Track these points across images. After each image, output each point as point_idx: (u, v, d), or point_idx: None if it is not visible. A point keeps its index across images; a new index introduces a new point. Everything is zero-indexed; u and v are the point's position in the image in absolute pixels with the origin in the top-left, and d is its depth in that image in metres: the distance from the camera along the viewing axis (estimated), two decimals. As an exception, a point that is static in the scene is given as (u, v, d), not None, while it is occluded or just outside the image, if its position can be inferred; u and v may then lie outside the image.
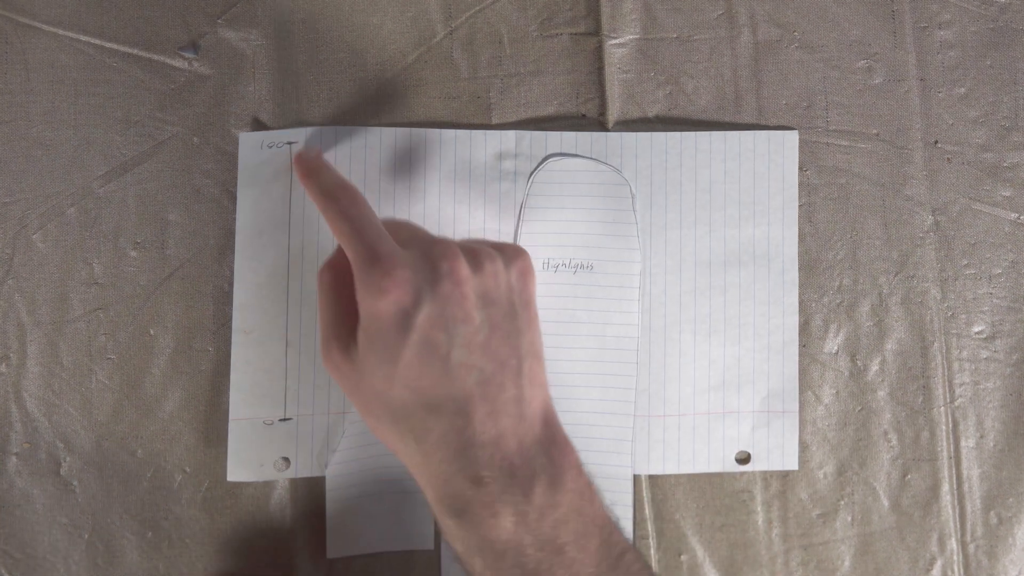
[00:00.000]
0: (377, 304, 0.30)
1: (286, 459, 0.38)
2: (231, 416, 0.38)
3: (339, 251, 0.34)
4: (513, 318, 0.32)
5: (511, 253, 0.34)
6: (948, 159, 0.41)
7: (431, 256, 0.31)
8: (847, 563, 0.39)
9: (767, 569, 0.39)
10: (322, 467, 0.38)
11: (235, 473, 0.38)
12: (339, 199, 0.32)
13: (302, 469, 0.38)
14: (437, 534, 0.39)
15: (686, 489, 0.39)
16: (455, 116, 0.40)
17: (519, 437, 0.31)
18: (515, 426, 0.31)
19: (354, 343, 0.32)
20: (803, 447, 0.40)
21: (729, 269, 0.40)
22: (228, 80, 0.40)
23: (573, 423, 0.39)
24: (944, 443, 0.40)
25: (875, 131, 0.41)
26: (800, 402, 0.40)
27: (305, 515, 0.39)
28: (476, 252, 0.32)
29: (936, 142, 0.41)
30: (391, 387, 0.31)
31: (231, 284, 0.39)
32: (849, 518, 0.40)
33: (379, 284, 0.30)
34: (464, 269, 0.31)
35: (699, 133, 0.40)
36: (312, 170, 0.35)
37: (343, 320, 0.33)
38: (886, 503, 0.40)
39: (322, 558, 0.39)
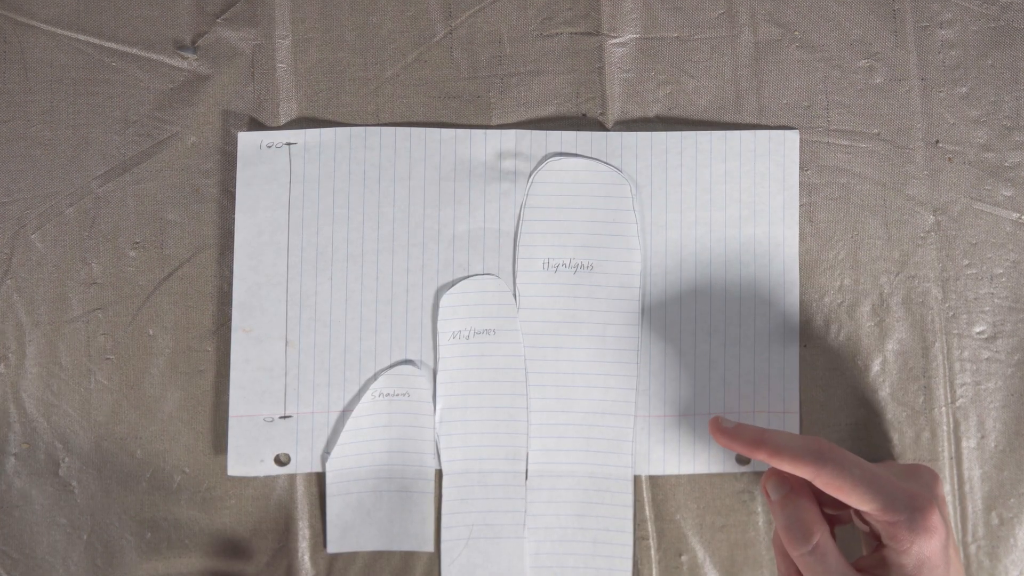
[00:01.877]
0: (926, 543, 0.32)
1: (287, 455, 0.38)
2: (231, 413, 0.38)
3: (798, 507, 0.35)
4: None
5: (936, 473, 0.36)
6: (949, 159, 0.41)
7: (930, 485, 0.35)
8: (848, 564, 0.39)
9: (767, 570, 0.39)
10: (322, 464, 0.38)
11: (235, 468, 0.38)
12: (826, 456, 0.33)
13: (302, 465, 0.38)
14: (437, 535, 0.39)
15: (686, 489, 0.39)
16: (455, 116, 0.40)
17: None
18: None
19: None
20: (804, 447, 0.40)
21: (729, 269, 0.40)
22: (227, 80, 0.40)
23: (573, 423, 0.39)
24: (945, 443, 0.40)
25: (876, 131, 0.40)
26: (801, 402, 0.40)
27: (305, 511, 0.39)
28: (936, 475, 0.36)
29: (937, 142, 0.41)
30: None
31: (231, 284, 0.39)
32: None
33: (923, 529, 0.32)
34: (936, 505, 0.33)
35: (699, 133, 0.40)
36: (758, 434, 0.35)
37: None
38: (887, 504, 0.40)
39: (322, 554, 0.39)
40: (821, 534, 0.33)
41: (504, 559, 0.38)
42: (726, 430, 0.36)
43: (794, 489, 0.35)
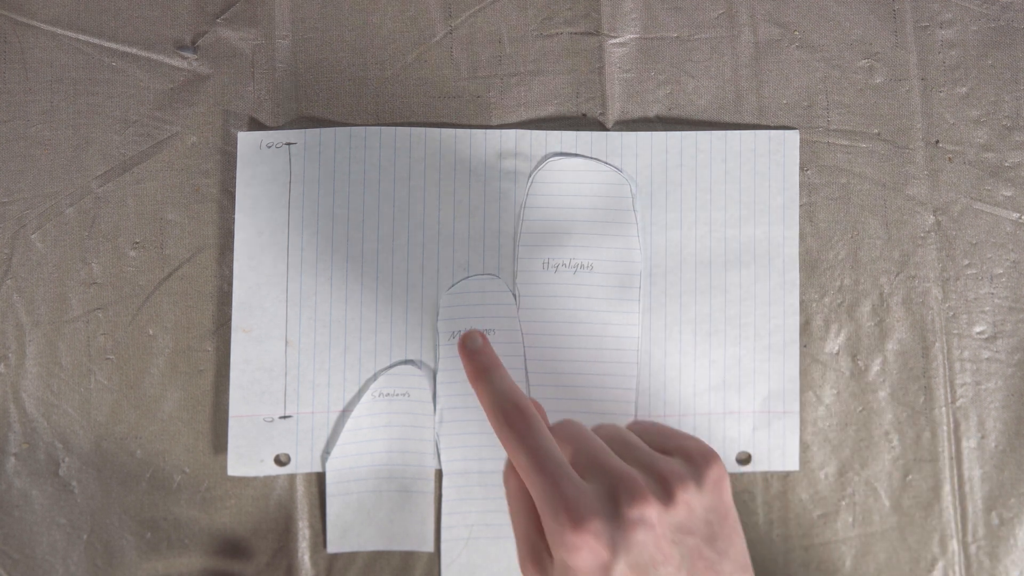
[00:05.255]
0: (571, 558, 0.27)
1: (287, 455, 0.38)
2: (231, 413, 0.38)
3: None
4: (713, 541, 0.29)
5: (700, 462, 0.30)
6: (949, 159, 0.41)
7: (618, 498, 0.28)
8: (848, 564, 0.39)
9: (768, 570, 0.39)
10: (322, 464, 0.38)
11: (235, 468, 0.38)
12: (514, 423, 0.30)
13: (302, 465, 0.38)
14: (437, 535, 0.39)
15: (686, 490, 0.39)
16: (455, 116, 0.40)
17: None
18: None
19: (552, 569, 0.29)
20: (804, 448, 0.40)
21: (730, 269, 0.40)
22: (227, 80, 0.40)
23: (573, 423, 0.39)
24: (945, 444, 0.40)
25: (876, 131, 0.40)
26: (801, 402, 0.40)
27: (305, 511, 0.39)
28: (665, 479, 0.29)
29: (937, 142, 0.41)
30: None
31: (230, 284, 0.39)
32: (850, 519, 0.40)
33: (570, 539, 0.27)
34: (654, 509, 0.28)
35: (699, 133, 0.40)
36: (483, 371, 0.32)
37: (540, 537, 0.30)
38: (887, 504, 0.40)
39: (322, 554, 0.39)
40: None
41: (504, 559, 0.38)
42: (468, 350, 0.33)
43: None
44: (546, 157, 0.40)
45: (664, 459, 0.30)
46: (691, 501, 0.29)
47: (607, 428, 0.32)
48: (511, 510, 0.31)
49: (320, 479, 0.39)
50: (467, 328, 0.39)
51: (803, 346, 0.40)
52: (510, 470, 0.31)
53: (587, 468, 0.29)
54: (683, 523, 0.29)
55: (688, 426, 0.39)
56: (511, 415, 0.30)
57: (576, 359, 0.39)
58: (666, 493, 0.29)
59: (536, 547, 0.30)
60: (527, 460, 0.29)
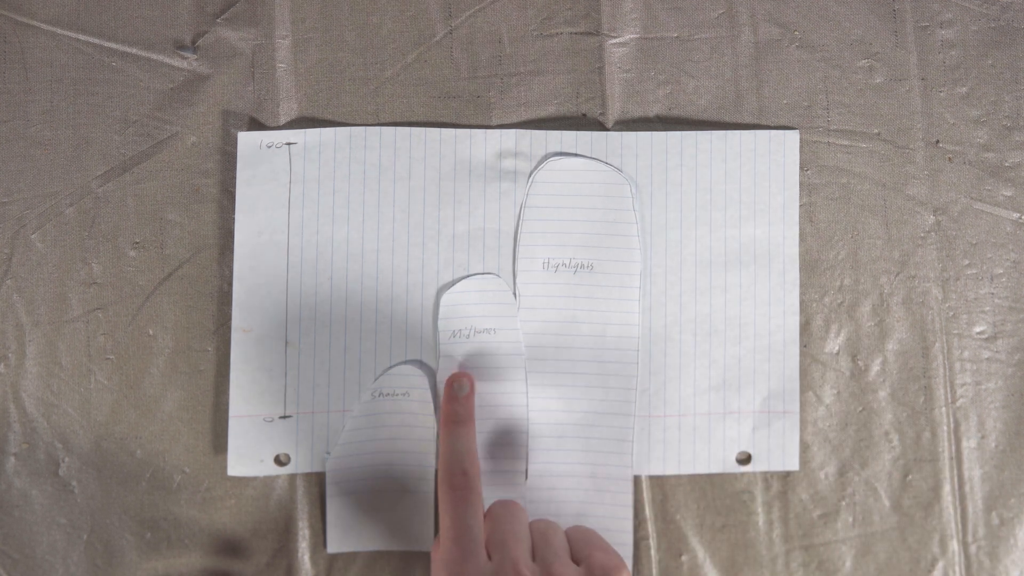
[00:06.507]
0: None
1: (287, 455, 0.38)
2: (231, 413, 0.38)
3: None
4: None
5: (598, 575, 0.32)
6: (949, 159, 0.41)
7: None
8: (848, 564, 0.39)
9: (768, 570, 0.39)
10: (322, 464, 0.38)
11: (235, 468, 0.38)
12: (456, 489, 0.34)
13: (302, 465, 0.38)
14: (437, 535, 0.39)
15: (687, 490, 0.39)
16: (455, 116, 0.40)
17: None
18: None
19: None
20: (804, 447, 0.40)
21: (730, 269, 0.40)
22: (227, 80, 0.40)
23: (573, 423, 0.39)
24: (945, 444, 0.40)
25: (876, 131, 0.40)
26: (801, 402, 0.40)
27: (305, 511, 0.39)
28: None
29: (937, 142, 0.41)
30: None
31: (230, 284, 0.39)
32: (850, 519, 0.40)
33: None
34: None
35: (699, 133, 0.40)
36: (456, 422, 0.36)
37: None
38: (887, 504, 0.40)
39: (322, 554, 0.39)
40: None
41: (504, 559, 0.38)
42: (452, 393, 0.37)
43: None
44: (546, 157, 0.40)
45: (566, 565, 0.32)
46: None
47: (540, 523, 0.35)
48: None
49: (320, 479, 0.39)
50: (467, 327, 0.39)
51: (803, 346, 0.40)
52: (437, 541, 0.34)
53: (495, 551, 0.32)
54: None
55: (688, 426, 0.39)
56: (456, 480, 0.34)
57: (576, 359, 0.39)
58: None
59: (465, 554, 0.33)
60: (450, 527, 0.33)
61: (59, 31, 0.39)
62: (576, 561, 0.33)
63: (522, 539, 0.33)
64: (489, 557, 0.32)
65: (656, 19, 0.41)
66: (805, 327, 0.40)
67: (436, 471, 0.39)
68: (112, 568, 0.38)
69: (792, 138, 0.40)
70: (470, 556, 0.32)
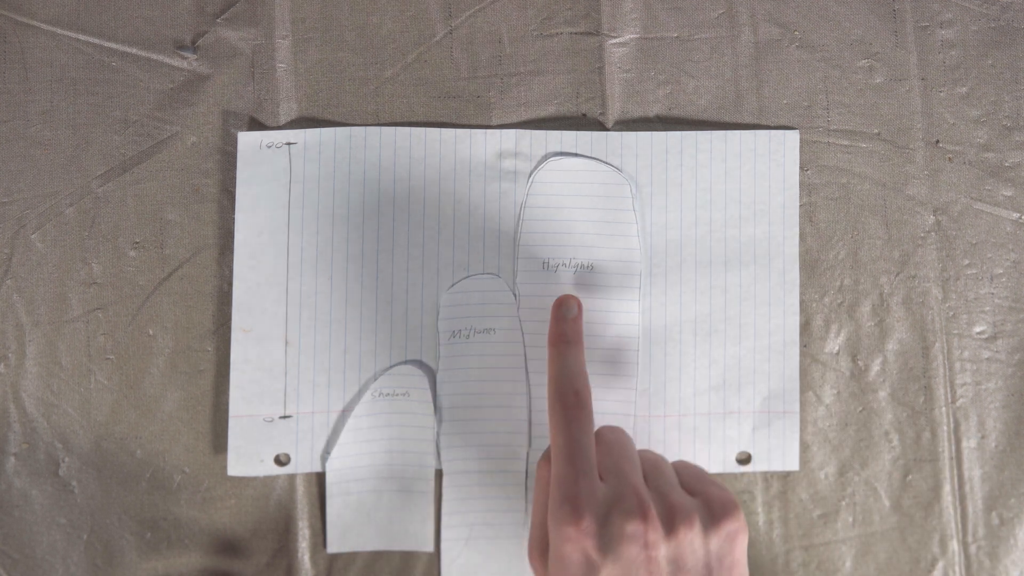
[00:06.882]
0: (563, 548, 0.29)
1: (287, 455, 0.38)
2: (231, 413, 0.38)
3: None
4: None
5: (718, 511, 0.30)
6: (949, 159, 0.41)
7: (623, 508, 0.29)
8: (848, 564, 0.39)
9: (768, 570, 0.39)
10: (322, 464, 0.38)
11: (235, 468, 0.38)
12: (568, 409, 0.32)
13: (302, 465, 0.38)
14: (437, 535, 0.39)
15: (686, 490, 0.39)
16: (455, 116, 0.40)
17: None
18: None
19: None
20: (804, 448, 0.40)
21: (730, 269, 0.40)
22: (227, 80, 0.40)
23: (573, 423, 0.39)
24: (945, 444, 0.40)
25: (876, 131, 0.40)
26: (801, 402, 0.40)
27: (305, 511, 0.39)
28: (673, 512, 0.30)
29: (937, 142, 0.41)
30: None
31: (230, 284, 0.39)
32: (850, 519, 0.40)
33: (565, 530, 0.29)
34: (654, 533, 0.29)
35: (699, 133, 0.40)
36: (565, 342, 0.35)
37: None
38: (887, 504, 0.40)
39: (322, 554, 0.39)
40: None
41: (504, 559, 0.38)
42: (560, 315, 0.36)
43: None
44: (546, 157, 0.40)
45: (683, 496, 0.31)
46: (694, 542, 0.29)
47: (649, 453, 0.33)
48: (535, 497, 0.32)
49: (320, 479, 0.39)
50: (467, 327, 0.39)
51: (803, 346, 0.40)
52: (544, 459, 0.33)
53: (609, 474, 0.31)
54: (679, 559, 0.29)
55: (688, 426, 0.39)
56: (568, 400, 0.32)
57: (576, 359, 0.39)
58: (669, 524, 0.29)
59: (544, 537, 0.31)
60: (564, 445, 0.31)
61: (59, 31, 0.39)
62: (692, 495, 0.31)
63: (637, 465, 0.31)
64: (601, 479, 0.31)
65: (656, 19, 0.41)
66: (805, 327, 0.40)
67: (437, 471, 0.39)
68: (112, 568, 0.38)
69: (792, 138, 0.40)
70: (584, 476, 0.30)
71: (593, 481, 0.30)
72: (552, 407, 0.33)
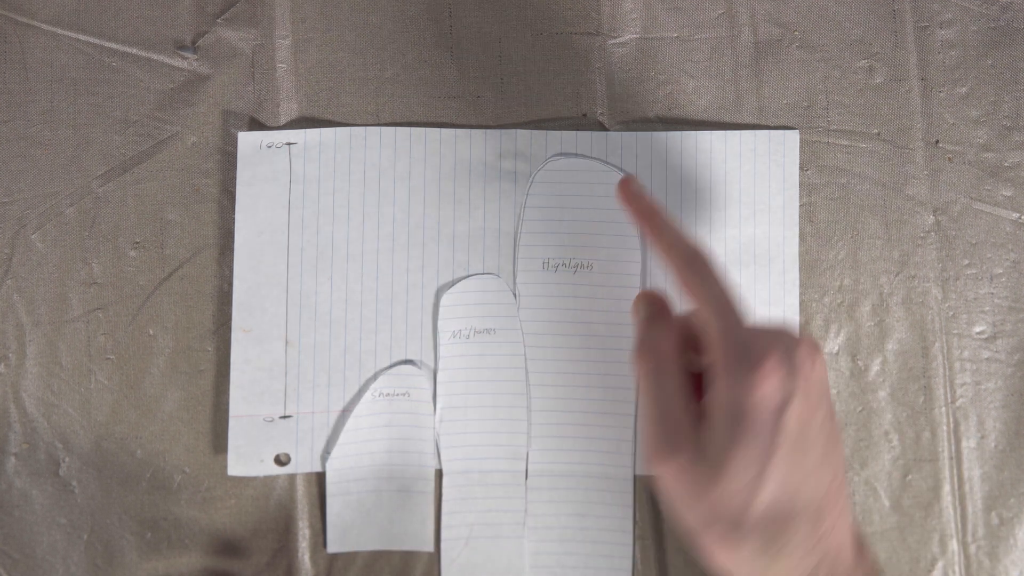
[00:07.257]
0: (753, 395, 0.28)
1: (287, 455, 0.38)
2: (231, 413, 0.38)
3: (654, 330, 0.32)
4: (832, 415, 0.31)
5: (814, 345, 0.31)
6: (949, 159, 0.41)
7: (788, 345, 0.29)
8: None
9: (768, 570, 0.39)
10: (322, 464, 0.38)
11: (235, 468, 0.38)
12: (699, 268, 0.31)
13: (302, 465, 0.38)
14: (437, 535, 0.39)
15: (686, 490, 0.39)
16: (455, 116, 0.40)
17: (850, 541, 0.31)
18: (851, 528, 0.31)
19: (699, 444, 0.29)
20: (804, 447, 0.40)
21: (730, 269, 0.40)
22: (227, 80, 0.40)
23: (573, 423, 0.39)
24: (945, 443, 0.40)
25: (876, 131, 0.40)
26: (801, 402, 0.40)
27: (305, 511, 0.39)
28: (802, 348, 0.30)
29: (937, 142, 0.41)
30: (758, 490, 0.28)
31: (231, 284, 0.39)
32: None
33: (754, 376, 0.28)
34: (820, 363, 0.30)
35: (699, 133, 0.40)
36: (653, 213, 0.34)
37: (683, 415, 0.30)
38: (887, 503, 0.40)
39: (322, 554, 0.39)
40: (666, 358, 0.31)
41: (504, 559, 0.38)
42: (631, 192, 0.35)
43: (660, 313, 0.34)
44: (546, 157, 0.40)
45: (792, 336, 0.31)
46: (823, 370, 0.30)
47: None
48: (648, 393, 0.31)
49: (320, 479, 0.39)
50: (467, 327, 0.39)
51: (803, 346, 0.40)
52: (643, 351, 0.32)
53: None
54: (824, 387, 0.30)
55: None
56: (695, 259, 0.31)
57: (576, 359, 0.39)
58: (813, 356, 0.30)
59: (675, 426, 0.30)
60: (719, 296, 0.30)
61: (59, 31, 0.39)
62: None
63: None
64: None
65: (656, 19, 0.41)
66: (805, 327, 0.40)
67: (437, 471, 0.39)
68: (112, 568, 0.38)
69: (792, 138, 0.40)
70: (743, 325, 0.30)
71: (754, 327, 0.30)
72: (685, 272, 0.31)
